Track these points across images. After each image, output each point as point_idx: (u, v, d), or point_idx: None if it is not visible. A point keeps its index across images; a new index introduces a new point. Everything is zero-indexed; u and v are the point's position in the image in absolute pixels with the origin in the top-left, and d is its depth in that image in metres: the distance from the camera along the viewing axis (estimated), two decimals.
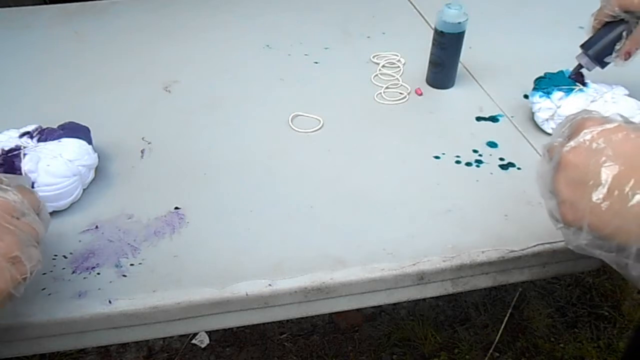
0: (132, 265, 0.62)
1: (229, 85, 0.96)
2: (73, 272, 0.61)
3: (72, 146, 0.69)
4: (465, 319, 1.59)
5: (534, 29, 1.12)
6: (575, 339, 1.53)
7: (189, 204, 0.71)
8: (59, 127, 0.73)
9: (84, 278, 0.61)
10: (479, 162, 0.78)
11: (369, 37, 1.10)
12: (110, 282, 0.60)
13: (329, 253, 0.64)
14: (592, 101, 0.80)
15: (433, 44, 0.91)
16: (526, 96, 0.89)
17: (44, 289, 0.59)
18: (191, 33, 1.12)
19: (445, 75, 0.93)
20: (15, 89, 0.95)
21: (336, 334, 1.55)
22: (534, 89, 0.84)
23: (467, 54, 0.95)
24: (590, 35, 0.80)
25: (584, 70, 0.82)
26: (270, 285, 0.60)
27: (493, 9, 1.20)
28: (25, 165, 0.65)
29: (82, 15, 1.19)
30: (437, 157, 0.79)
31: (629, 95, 0.80)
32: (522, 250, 0.64)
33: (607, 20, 0.77)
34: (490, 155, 0.79)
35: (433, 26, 0.90)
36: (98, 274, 0.61)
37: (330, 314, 1.57)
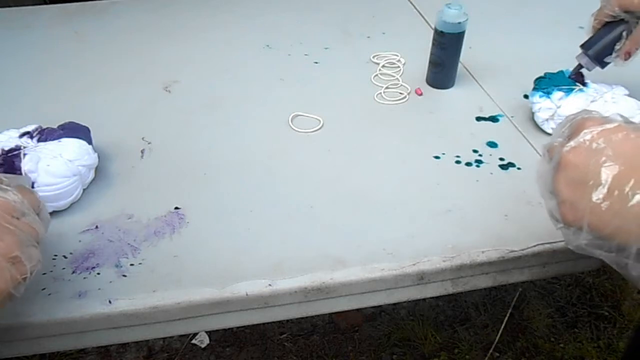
0: (132, 265, 0.62)
1: (229, 85, 0.96)
2: (73, 272, 0.61)
3: (72, 146, 0.69)
4: (465, 319, 1.59)
5: (534, 29, 1.12)
6: (575, 339, 1.53)
7: (189, 204, 0.71)
8: (59, 127, 0.73)
9: (84, 278, 0.61)
10: (479, 162, 0.78)
11: (369, 37, 1.10)
12: (110, 282, 0.60)
13: (329, 253, 0.64)
14: (592, 101, 0.80)
15: (433, 44, 0.91)
16: (526, 96, 0.89)
17: (44, 289, 0.59)
18: (191, 33, 1.12)
19: (445, 75, 0.94)
20: (15, 89, 0.95)
21: (336, 334, 1.55)
22: (534, 89, 0.84)
23: (467, 54, 0.95)
24: (590, 35, 0.80)
25: (584, 71, 0.82)
26: (270, 285, 0.60)
27: (493, 9, 1.20)
28: (25, 165, 0.65)
29: (82, 15, 1.19)
30: (437, 157, 0.79)
31: (629, 95, 0.80)
32: (522, 250, 0.64)
33: (607, 20, 0.77)
34: (490, 155, 0.79)
35: (433, 26, 0.90)
36: (98, 274, 0.61)
37: (330, 314, 1.57)
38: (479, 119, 0.87)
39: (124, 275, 0.61)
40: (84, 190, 0.72)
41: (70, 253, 0.64)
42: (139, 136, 0.83)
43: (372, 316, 1.60)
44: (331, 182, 0.75)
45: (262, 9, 1.21)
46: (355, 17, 1.18)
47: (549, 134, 0.82)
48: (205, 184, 0.75)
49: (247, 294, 0.59)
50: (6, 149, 0.67)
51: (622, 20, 0.76)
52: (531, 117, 0.85)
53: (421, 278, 0.63)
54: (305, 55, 1.05)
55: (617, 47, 0.77)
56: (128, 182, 0.75)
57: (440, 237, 0.66)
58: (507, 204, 0.71)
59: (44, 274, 0.61)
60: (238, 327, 1.54)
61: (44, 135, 0.71)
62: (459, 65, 0.93)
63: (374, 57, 1.03)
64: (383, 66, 1.00)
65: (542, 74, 0.85)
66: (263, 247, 0.65)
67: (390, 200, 0.72)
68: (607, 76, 0.83)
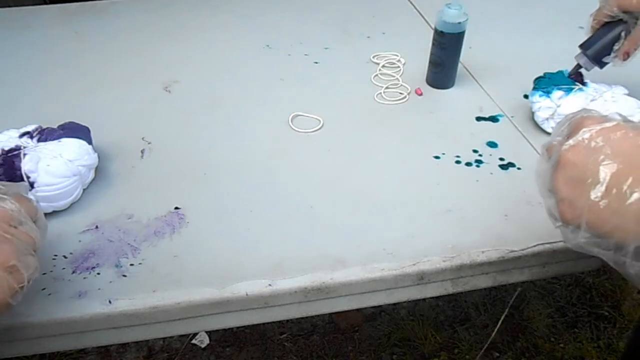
0: (132, 265, 0.62)
1: (229, 85, 0.96)
2: (73, 272, 0.61)
3: (72, 146, 0.69)
4: (465, 319, 1.59)
5: (534, 29, 1.12)
6: (575, 339, 1.53)
7: (189, 204, 0.71)
8: (59, 127, 0.73)
9: (84, 278, 0.61)
10: (479, 162, 0.78)
11: (369, 37, 1.10)
12: (110, 282, 0.60)
13: (329, 253, 0.64)
14: (591, 100, 0.80)
15: (433, 44, 0.91)
16: (526, 96, 0.89)
17: (44, 289, 0.59)
18: (191, 33, 1.12)
19: (445, 75, 0.94)
20: (15, 89, 0.95)
21: (336, 334, 1.55)
22: (534, 88, 0.84)
23: (467, 54, 0.95)
24: (589, 35, 0.81)
25: (583, 70, 0.82)
26: (270, 285, 0.60)
27: (493, 9, 1.20)
28: (25, 165, 0.65)
29: (82, 15, 1.19)
30: (437, 157, 0.79)
31: (629, 95, 0.80)
32: (522, 250, 0.64)
33: (605, 20, 0.77)
34: (490, 155, 0.79)
35: (433, 26, 0.90)
36: (98, 274, 0.61)
37: (330, 314, 1.57)
38: (479, 119, 0.87)
39: (124, 275, 0.61)
40: (84, 190, 0.72)
41: (70, 253, 0.64)
42: (139, 136, 0.83)
43: (372, 316, 1.60)
44: (331, 182, 0.75)
45: (262, 9, 1.21)
46: (355, 17, 1.18)
47: (549, 134, 0.81)
48: (205, 184, 0.75)
49: (247, 294, 0.59)
50: (6, 149, 0.67)
51: (620, 21, 0.76)
52: (531, 116, 0.85)
53: (421, 278, 0.63)
54: (305, 55, 1.05)
55: (615, 47, 0.77)
56: (128, 182, 0.75)
57: (440, 237, 0.66)
58: (507, 204, 0.71)
59: (44, 274, 0.61)
60: (238, 327, 1.54)
61: (44, 135, 0.71)
62: (459, 65, 0.93)
63: (374, 57, 1.03)
64: (383, 66, 1.00)
65: (542, 74, 0.85)
66: (263, 247, 0.65)
67: (390, 200, 0.72)
68: (607, 76, 0.83)
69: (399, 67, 1.00)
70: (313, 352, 1.50)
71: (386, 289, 0.64)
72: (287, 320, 1.58)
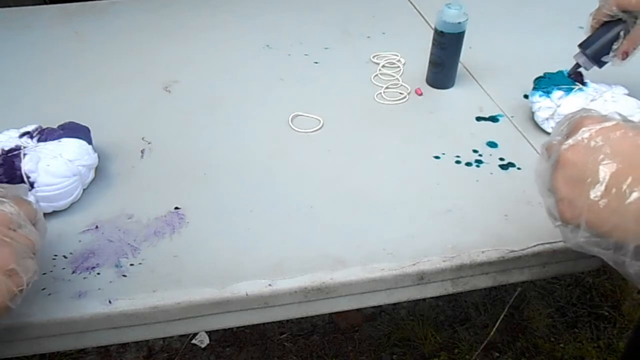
0: (132, 265, 0.62)
1: (229, 85, 0.96)
2: (73, 272, 0.61)
3: (72, 146, 0.69)
4: (465, 319, 1.59)
5: (534, 29, 1.12)
6: (575, 339, 1.53)
7: (189, 204, 0.71)
8: (59, 127, 0.73)
9: (84, 278, 0.61)
10: (479, 162, 0.78)
11: (369, 37, 1.10)
12: (110, 282, 0.60)
13: (329, 253, 0.64)
14: (591, 100, 0.80)
15: (433, 44, 0.91)
16: (526, 96, 0.89)
17: (44, 289, 0.59)
18: (191, 33, 1.12)
19: (445, 75, 0.94)
20: (15, 89, 0.95)
21: (336, 334, 1.55)
22: (534, 88, 0.84)
23: (467, 54, 0.95)
24: (588, 34, 0.81)
25: (583, 70, 0.82)
26: (270, 285, 0.60)
27: (493, 9, 1.20)
28: (25, 165, 0.65)
29: (82, 15, 1.19)
30: (437, 157, 0.79)
31: (629, 95, 0.80)
32: (522, 250, 0.64)
33: (605, 19, 0.77)
34: (490, 155, 0.79)
35: (433, 26, 0.90)
36: (98, 274, 0.61)
37: (330, 314, 1.57)
38: (479, 119, 0.87)
39: (124, 275, 0.61)
40: (84, 190, 0.72)
41: (70, 253, 0.64)
42: (139, 136, 0.83)
43: (372, 316, 1.60)
44: (331, 182, 0.75)
45: (262, 9, 1.21)
46: (355, 17, 1.18)
47: (549, 134, 0.81)
48: (205, 184, 0.75)
49: (247, 294, 0.59)
50: (6, 149, 0.67)
51: (620, 20, 0.76)
52: (531, 116, 0.85)
53: (421, 278, 0.63)
54: (305, 55, 1.05)
55: (614, 46, 0.77)
56: (128, 182, 0.75)
57: (440, 237, 0.66)
58: (507, 204, 0.71)
59: (44, 274, 0.61)
60: (238, 327, 1.54)
61: (44, 135, 0.71)
62: (459, 65, 0.93)
63: (374, 57, 1.03)
64: (383, 66, 1.00)
65: (542, 74, 0.85)
66: (263, 247, 0.65)
67: (390, 200, 0.72)
68: (607, 76, 0.83)
69: (399, 67, 1.00)
70: (313, 352, 1.50)
71: (386, 289, 0.64)
72: (287, 320, 1.58)
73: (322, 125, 0.86)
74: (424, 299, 1.24)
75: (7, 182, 0.64)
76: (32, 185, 0.65)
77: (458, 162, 0.78)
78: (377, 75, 0.98)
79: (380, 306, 1.59)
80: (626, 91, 0.81)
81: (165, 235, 0.66)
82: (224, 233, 0.67)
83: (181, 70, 1.00)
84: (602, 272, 1.70)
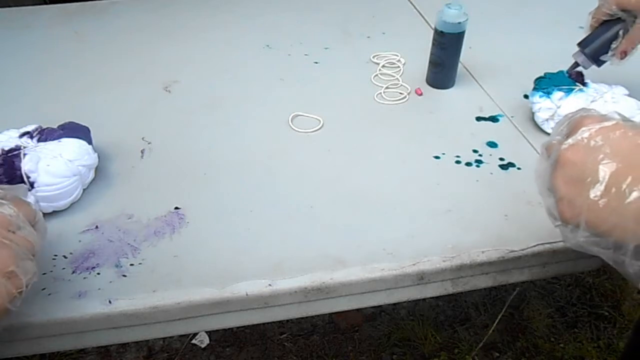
0: (132, 265, 0.62)
1: (229, 85, 0.96)
2: (73, 272, 0.61)
3: (72, 146, 0.69)
4: (465, 319, 1.59)
5: (534, 29, 1.12)
6: (575, 339, 1.53)
7: (189, 204, 0.71)
8: (59, 127, 0.73)
9: (84, 278, 0.61)
10: (479, 162, 0.78)
11: (369, 37, 1.10)
12: (110, 282, 0.60)
13: (329, 253, 0.64)
14: (592, 101, 0.80)
15: (433, 44, 0.91)
16: (526, 96, 0.89)
17: (44, 289, 0.59)
18: (191, 33, 1.12)
19: (445, 75, 0.94)
20: (15, 89, 0.95)
21: (336, 334, 1.55)
22: (534, 89, 0.84)
23: (467, 54, 0.95)
24: (588, 33, 0.81)
25: (582, 69, 0.82)
26: (270, 285, 0.60)
27: (493, 9, 1.20)
28: (25, 165, 0.65)
29: (82, 15, 1.19)
30: (437, 157, 0.79)
31: (629, 95, 0.80)
32: (522, 250, 0.64)
33: (604, 18, 0.77)
34: (490, 155, 0.79)
35: (433, 26, 0.90)
36: (98, 274, 0.61)
37: (330, 314, 1.57)
38: (479, 119, 0.87)
39: (124, 275, 0.61)
40: (84, 190, 0.72)
41: (70, 253, 0.64)
42: (139, 136, 0.83)
43: (372, 316, 1.60)
44: (331, 182, 0.75)
45: (262, 9, 1.21)
46: (355, 17, 1.18)
47: (549, 134, 0.81)
48: (205, 184, 0.75)
49: (247, 294, 0.59)
50: (6, 149, 0.67)
51: (619, 19, 0.76)
52: (531, 117, 0.85)
53: (421, 278, 0.63)
54: (305, 55, 1.05)
55: (613, 45, 0.77)
56: (128, 182, 0.75)
57: (440, 237, 0.66)
58: (507, 204, 0.71)
59: (44, 274, 0.61)
60: (238, 327, 1.54)
61: (44, 135, 0.71)
62: (459, 65, 0.93)
63: (374, 57, 1.03)
64: (383, 66, 1.00)
65: (542, 74, 0.85)
66: (263, 247, 0.65)
67: (390, 200, 0.72)
68: (607, 76, 0.83)
69: (399, 67, 1.00)
70: (313, 352, 1.50)
71: (386, 289, 0.64)
72: (287, 320, 1.58)
73: (322, 125, 0.86)
74: (424, 299, 1.24)
75: (7, 182, 0.64)
76: (32, 185, 0.65)
77: (458, 162, 0.78)
78: (377, 75, 0.98)
79: (380, 306, 1.59)
80: (626, 92, 0.81)
81: (165, 235, 0.66)
82: (224, 233, 0.67)
83: (181, 70, 1.00)
84: (602, 272, 1.70)
